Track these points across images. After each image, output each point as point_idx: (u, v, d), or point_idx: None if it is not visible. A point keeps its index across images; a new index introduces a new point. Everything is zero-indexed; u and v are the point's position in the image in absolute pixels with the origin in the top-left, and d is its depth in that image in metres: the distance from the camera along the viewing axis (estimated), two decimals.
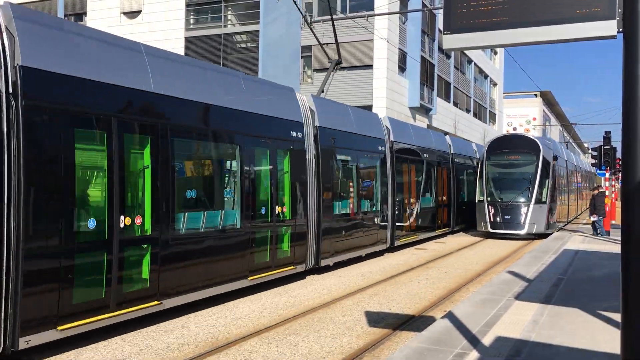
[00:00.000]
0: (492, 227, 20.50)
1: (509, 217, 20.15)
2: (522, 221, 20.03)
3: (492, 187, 20.88)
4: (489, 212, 20.51)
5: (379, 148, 15.57)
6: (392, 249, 16.62)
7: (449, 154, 22.30)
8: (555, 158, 21.82)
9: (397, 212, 16.44)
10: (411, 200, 17.91)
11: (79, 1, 37.14)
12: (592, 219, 19.68)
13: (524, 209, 20.11)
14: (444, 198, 21.23)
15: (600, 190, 19.92)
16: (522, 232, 20.16)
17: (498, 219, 20.32)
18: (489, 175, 21.10)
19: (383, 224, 15.60)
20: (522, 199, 20.29)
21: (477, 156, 25.60)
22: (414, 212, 18.17)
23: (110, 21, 35.70)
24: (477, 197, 21.64)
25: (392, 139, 16.63)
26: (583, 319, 7.63)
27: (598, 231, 19.88)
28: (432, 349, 6.15)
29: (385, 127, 16.61)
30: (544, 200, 20.37)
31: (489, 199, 20.78)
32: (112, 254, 7.20)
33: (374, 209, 15.23)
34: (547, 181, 20.59)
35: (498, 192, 20.69)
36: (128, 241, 7.52)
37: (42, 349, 6.67)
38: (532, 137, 22.19)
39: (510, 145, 21.47)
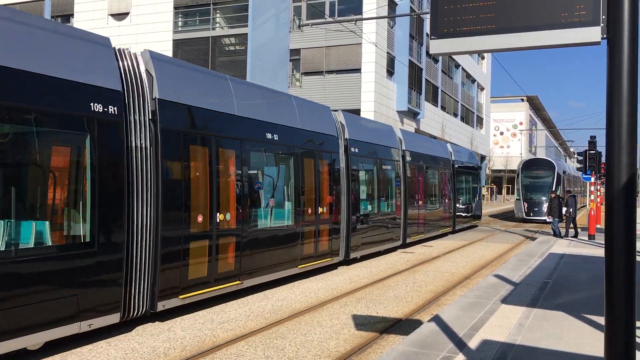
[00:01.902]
0: (526, 215, 31.18)
1: (536, 209, 30.96)
2: (546, 212, 29.10)
3: (525, 191, 31.55)
4: (524, 206, 31.27)
5: (107, 110, 7.50)
6: (153, 317, 8.52)
7: (339, 139, 14.10)
8: (564, 172, 33.17)
9: (163, 247, 8.30)
10: (229, 216, 9.73)
11: (66, 2, 36.92)
12: (548, 220, 22.17)
13: (546, 204, 29.26)
14: (325, 210, 13.15)
15: (556, 193, 21.94)
16: (544, 218, 29.95)
17: (529, 210, 31.19)
18: (523, 183, 31.76)
19: (122, 272, 7.58)
20: (544, 198, 30.42)
21: (404, 147, 18.49)
22: (243, 237, 10.07)
23: (98, 23, 35.50)
24: (515, 197, 32.51)
25: (157, 96, 8.34)
26: (568, 322, 7.69)
27: (556, 232, 21.16)
28: (418, 353, 6.17)
29: (141, 74, 8.27)
30: None
31: (523, 197, 31.48)
32: None
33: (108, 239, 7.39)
34: (559, 187, 30.95)
35: (529, 194, 31.41)
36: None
37: (26, 356, 6.60)
38: (550, 160, 33.38)
39: (536, 164, 32.70)
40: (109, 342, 7.38)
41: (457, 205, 24.68)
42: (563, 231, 21.17)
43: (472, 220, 27.71)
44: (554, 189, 29.20)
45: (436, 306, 9.96)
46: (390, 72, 36.30)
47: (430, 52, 3.27)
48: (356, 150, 14.79)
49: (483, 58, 62.36)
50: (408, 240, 18.61)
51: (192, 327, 8.21)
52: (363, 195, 15.50)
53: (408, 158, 18.81)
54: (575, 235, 20.92)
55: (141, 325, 8.16)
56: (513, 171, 78.80)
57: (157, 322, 8.37)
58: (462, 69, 53.35)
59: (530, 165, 32.65)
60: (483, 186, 61.72)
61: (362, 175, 15.46)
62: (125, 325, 7.94)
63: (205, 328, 8.20)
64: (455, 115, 52.18)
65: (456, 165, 24.75)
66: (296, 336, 7.82)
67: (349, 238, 14.24)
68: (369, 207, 15.88)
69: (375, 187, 16.29)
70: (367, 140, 15.69)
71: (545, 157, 36.90)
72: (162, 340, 7.51)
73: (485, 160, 65.92)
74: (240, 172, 10.20)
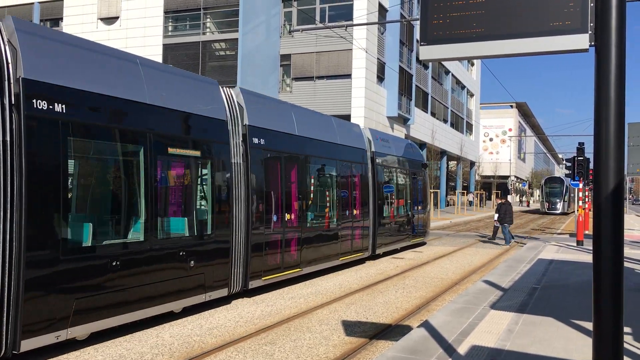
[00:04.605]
0: (547, 210, 53.54)
1: (552, 206, 53.20)
2: (559, 208, 52.97)
3: (547, 196, 53.95)
4: (546, 205, 53.88)
5: None
6: None
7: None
8: (569, 184, 46.09)
9: None
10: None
11: (55, 6, 36.75)
12: (496, 225, 22.59)
13: (559, 203, 53.09)
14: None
15: (506, 200, 22.76)
16: (558, 212, 52.75)
17: (549, 206, 53.69)
18: (545, 191, 54.38)
19: None
20: (558, 199, 53.18)
21: (247, 121, 10.29)
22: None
23: (87, 27, 35.35)
24: (540, 200, 57.70)
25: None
26: (557, 328, 7.72)
27: (500, 236, 22.59)
28: (408, 358, 6.16)
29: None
30: (565, 200, 53.20)
31: (545, 199, 54.50)
32: None
33: None
34: (567, 193, 53.29)
35: (549, 197, 53.81)
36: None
37: None
38: (562, 177, 54.95)
39: (553, 180, 55.52)
40: (96, 348, 7.31)
41: (381, 217, 17.06)
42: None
43: (411, 238, 19.76)
44: (563, 194, 52.58)
45: (426, 311, 9.96)
46: (381, 78, 36.43)
47: (420, 59, 3.28)
48: (78, 119, 7.07)
49: (473, 64, 62.74)
50: (254, 284, 10.72)
51: (181, 333, 8.16)
52: (128, 211, 8.17)
53: (256, 140, 10.89)
54: (493, 237, 23.37)
55: (129, 331, 8.10)
56: (502, 177, 79.36)
57: (145, 329, 8.31)
58: (452, 75, 53.64)
59: (549, 180, 56.04)
60: (472, 192, 61.97)
61: (136, 171, 8.19)
62: (115, 332, 7.88)
63: (194, 334, 8.15)
64: (445, 121, 52.41)
65: (379, 160, 17.17)
66: (285, 342, 7.80)
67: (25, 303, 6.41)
68: (140, 229, 8.14)
69: (164, 191, 8.87)
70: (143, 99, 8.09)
71: (558, 175, 61.14)
72: (150, 347, 7.46)
73: (475, 167, 66.20)
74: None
